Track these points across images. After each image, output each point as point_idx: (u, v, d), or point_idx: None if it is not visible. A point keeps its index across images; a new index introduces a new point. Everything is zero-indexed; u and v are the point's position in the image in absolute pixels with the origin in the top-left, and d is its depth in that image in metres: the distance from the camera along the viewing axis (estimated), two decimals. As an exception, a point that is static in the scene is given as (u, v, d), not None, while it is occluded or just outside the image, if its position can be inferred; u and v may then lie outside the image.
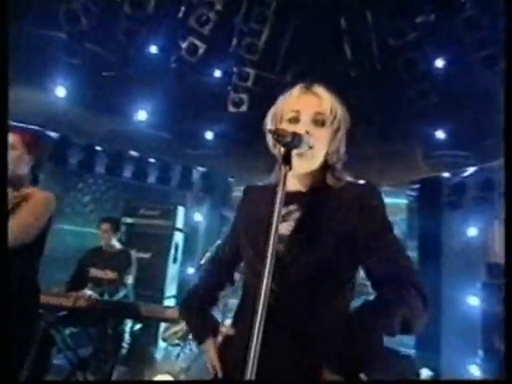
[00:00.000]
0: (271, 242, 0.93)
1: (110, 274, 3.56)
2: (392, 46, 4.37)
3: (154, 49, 4.81)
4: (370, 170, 4.85)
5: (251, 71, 4.90)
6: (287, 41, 4.92)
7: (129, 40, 4.40)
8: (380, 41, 4.52)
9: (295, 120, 1.13)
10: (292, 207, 1.15)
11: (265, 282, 0.89)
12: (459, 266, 4.20)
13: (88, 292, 3.21)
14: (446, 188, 4.49)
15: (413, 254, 4.50)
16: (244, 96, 4.98)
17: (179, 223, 4.60)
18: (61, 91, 4.50)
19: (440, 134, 4.48)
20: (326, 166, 1.17)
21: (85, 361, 3.00)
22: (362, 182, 1.22)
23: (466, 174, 4.33)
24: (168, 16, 4.51)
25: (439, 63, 4.43)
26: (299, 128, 1.10)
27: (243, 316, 1.18)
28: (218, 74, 5.14)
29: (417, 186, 4.64)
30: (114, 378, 3.03)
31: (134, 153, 5.06)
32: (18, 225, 1.71)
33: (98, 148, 5.02)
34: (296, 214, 1.13)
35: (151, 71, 4.78)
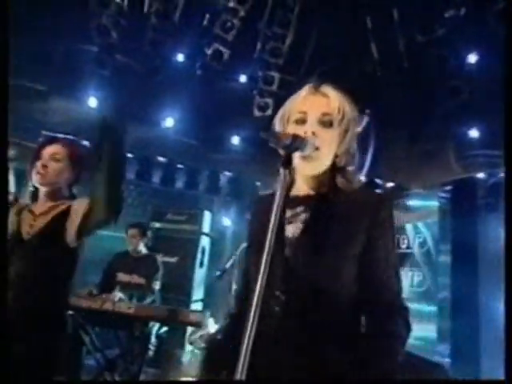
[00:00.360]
0: (267, 247, 0.92)
1: (136, 279, 3.66)
2: (420, 42, 4.23)
3: (180, 57, 4.94)
4: (400, 172, 4.71)
5: (276, 75, 4.90)
6: (312, 43, 4.89)
7: (155, 50, 4.53)
8: (407, 38, 4.39)
9: (302, 121, 1.11)
10: (299, 209, 1.12)
11: (259, 283, 0.89)
12: (497, 271, 3.97)
13: (118, 294, 3.30)
14: (482, 189, 4.27)
15: (446, 258, 4.31)
16: (269, 100, 4.98)
17: (205, 228, 4.66)
18: (93, 101, 4.70)
19: (474, 133, 4.28)
20: (336, 169, 1.14)
21: (112, 362, 3.08)
22: (378, 187, 1.20)
23: (503, 174, 4.11)
24: (193, 24, 4.61)
25: (472, 59, 4.23)
26: (305, 129, 1.08)
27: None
28: (243, 79, 5.18)
29: (449, 187, 4.44)
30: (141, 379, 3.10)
31: (162, 159, 5.19)
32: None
33: (129, 155, 5.17)
34: (303, 216, 1.11)
35: (178, 79, 4.90)
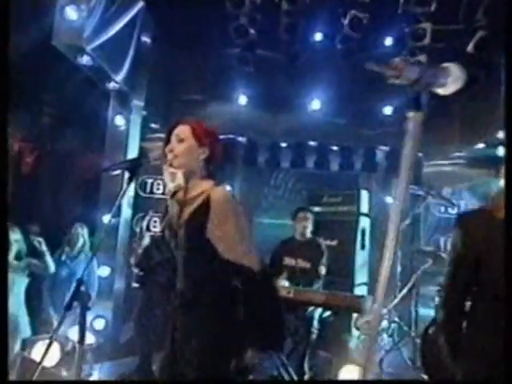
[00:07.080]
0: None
1: (301, 263, 3.66)
2: None
3: (318, 36, 4.78)
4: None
5: (427, 26, 4.25)
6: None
7: (292, 34, 4.50)
8: None
9: None
10: None
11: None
12: None
13: (285, 283, 3.40)
14: None
15: None
16: (422, 57, 4.36)
17: (364, 208, 4.40)
18: (243, 99, 5.01)
19: None
20: None
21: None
22: None
23: None
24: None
25: None
26: None
27: None
28: (388, 41, 4.69)
29: None
30: (306, 361, 3.17)
31: (313, 143, 5.16)
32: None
33: (283, 144, 5.33)
34: None
35: (319, 59, 4.78)
